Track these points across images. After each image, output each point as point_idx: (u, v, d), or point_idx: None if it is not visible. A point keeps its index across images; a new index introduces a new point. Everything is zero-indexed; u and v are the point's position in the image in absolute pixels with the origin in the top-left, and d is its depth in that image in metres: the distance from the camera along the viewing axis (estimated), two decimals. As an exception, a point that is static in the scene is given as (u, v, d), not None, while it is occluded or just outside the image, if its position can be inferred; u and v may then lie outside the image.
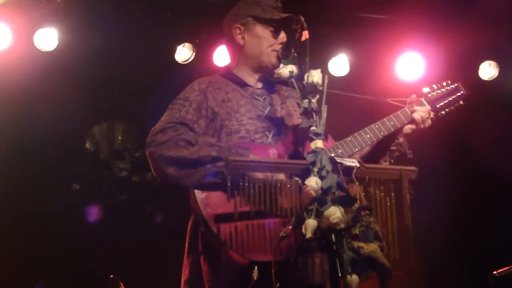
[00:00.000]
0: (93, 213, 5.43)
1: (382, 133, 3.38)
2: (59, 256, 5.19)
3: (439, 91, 3.57)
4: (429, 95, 3.55)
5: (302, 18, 3.08)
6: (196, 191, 3.05)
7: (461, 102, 3.59)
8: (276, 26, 3.32)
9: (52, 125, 5.29)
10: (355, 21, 5.51)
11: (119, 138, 5.80)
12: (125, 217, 5.55)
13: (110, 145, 5.78)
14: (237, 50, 3.41)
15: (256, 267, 2.97)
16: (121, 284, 3.71)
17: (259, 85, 3.39)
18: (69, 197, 5.51)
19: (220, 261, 3.08)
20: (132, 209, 5.67)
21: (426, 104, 3.49)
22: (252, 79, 3.39)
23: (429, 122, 3.46)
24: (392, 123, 3.41)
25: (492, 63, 5.65)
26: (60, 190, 5.48)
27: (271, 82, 3.39)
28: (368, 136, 3.34)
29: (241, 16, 3.38)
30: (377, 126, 3.38)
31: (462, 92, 3.58)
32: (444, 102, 3.55)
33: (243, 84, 3.37)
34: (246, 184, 2.86)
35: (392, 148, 3.45)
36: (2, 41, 4.97)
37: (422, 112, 3.44)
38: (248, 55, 3.38)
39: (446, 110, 3.57)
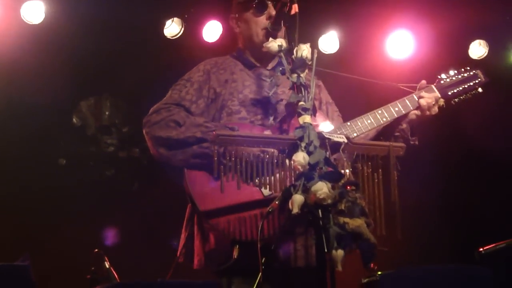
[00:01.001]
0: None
1: (384, 119, 3.34)
2: (44, 230, 5.17)
3: (453, 78, 3.49)
4: (442, 82, 3.48)
5: (290, -9, 3.05)
6: (186, 170, 3.11)
7: (479, 89, 3.51)
8: (258, 4, 3.35)
9: (39, 98, 5.23)
10: (345, -3, 5.47)
11: (107, 113, 5.76)
12: (112, 192, 5.52)
13: (97, 120, 5.74)
14: (238, 37, 3.52)
15: (237, 246, 3.00)
16: (106, 259, 3.69)
17: (269, 66, 3.42)
18: (56, 172, 5.47)
19: (207, 238, 3.12)
20: (119, 185, 5.64)
21: (436, 90, 3.44)
22: (259, 61, 3.43)
23: (435, 109, 3.40)
24: (396, 109, 3.37)
25: (482, 42, 5.64)
26: (47, 164, 5.44)
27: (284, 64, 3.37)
28: (369, 121, 3.31)
29: (234, 5, 3.49)
30: (379, 112, 3.35)
31: (480, 79, 3.51)
32: (458, 89, 3.47)
33: (251, 65, 3.43)
34: (233, 159, 2.85)
35: (396, 133, 3.41)
36: (-12, 14, 4.91)
37: (428, 99, 3.38)
38: (244, 40, 3.46)
39: (461, 97, 3.48)
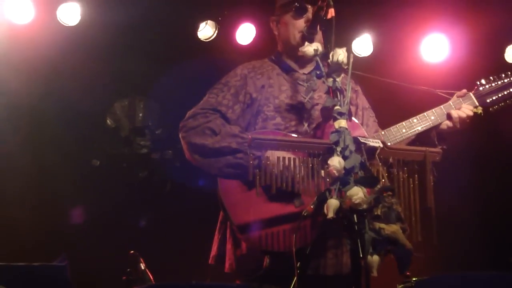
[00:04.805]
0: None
1: (420, 128, 3.29)
2: (80, 231, 5.22)
3: (493, 84, 3.38)
4: (481, 88, 3.38)
5: (328, -5, 3.05)
6: (219, 180, 3.15)
7: None
8: (298, 8, 3.35)
9: (74, 100, 5.28)
10: (380, 0, 5.44)
11: (140, 115, 5.80)
12: (145, 194, 5.55)
13: (131, 122, 5.77)
14: (277, 40, 3.52)
15: (268, 256, 3.03)
16: (141, 260, 3.72)
17: (307, 70, 3.42)
18: (89, 173, 5.52)
19: (239, 243, 3.15)
20: (152, 186, 5.67)
21: (474, 98, 3.36)
22: (296, 65, 3.43)
23: (466, 123, 3.33)
24: (433, 117, 3.32)
25: (519, 45, 5.57)
26: (81, 165, 5.49)
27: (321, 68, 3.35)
28: (404, 130, 3.29)
29: (275, 8, 3.50)
30: (415, 121, 3.31)
31: None
32: (497, 96, 3.36)
33: (289, 70, 3.42)
34: (268, 163, 2.86)
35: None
36: (25, 15, 4.96)
37: (462, 113, 3.32)
38: (283, 43, 3.46)
39: (501, 104, 3.37)
